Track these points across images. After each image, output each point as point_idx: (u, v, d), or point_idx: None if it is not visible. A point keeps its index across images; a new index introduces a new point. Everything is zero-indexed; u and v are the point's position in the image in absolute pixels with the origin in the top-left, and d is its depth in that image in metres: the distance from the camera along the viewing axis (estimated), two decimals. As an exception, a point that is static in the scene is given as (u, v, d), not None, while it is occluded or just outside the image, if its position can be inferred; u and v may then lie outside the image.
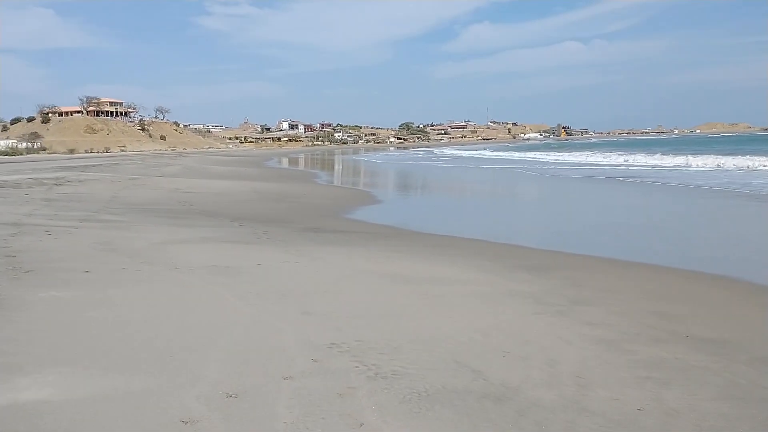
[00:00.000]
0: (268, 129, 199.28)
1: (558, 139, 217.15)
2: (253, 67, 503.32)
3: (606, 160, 52.94)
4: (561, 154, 70.21)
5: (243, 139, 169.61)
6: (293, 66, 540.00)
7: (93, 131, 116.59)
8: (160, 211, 16.92)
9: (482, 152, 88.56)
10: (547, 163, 55.34)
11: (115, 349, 5.24)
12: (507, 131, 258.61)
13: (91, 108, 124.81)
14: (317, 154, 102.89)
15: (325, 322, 6.17)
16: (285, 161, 72.26)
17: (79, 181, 26.11)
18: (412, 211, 21.86)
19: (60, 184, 24.00)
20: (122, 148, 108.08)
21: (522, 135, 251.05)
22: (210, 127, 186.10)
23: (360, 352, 5.24)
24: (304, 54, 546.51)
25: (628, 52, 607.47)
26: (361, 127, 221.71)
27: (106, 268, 8.40)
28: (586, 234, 14.79)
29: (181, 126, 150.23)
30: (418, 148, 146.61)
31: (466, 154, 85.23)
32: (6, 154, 73.61)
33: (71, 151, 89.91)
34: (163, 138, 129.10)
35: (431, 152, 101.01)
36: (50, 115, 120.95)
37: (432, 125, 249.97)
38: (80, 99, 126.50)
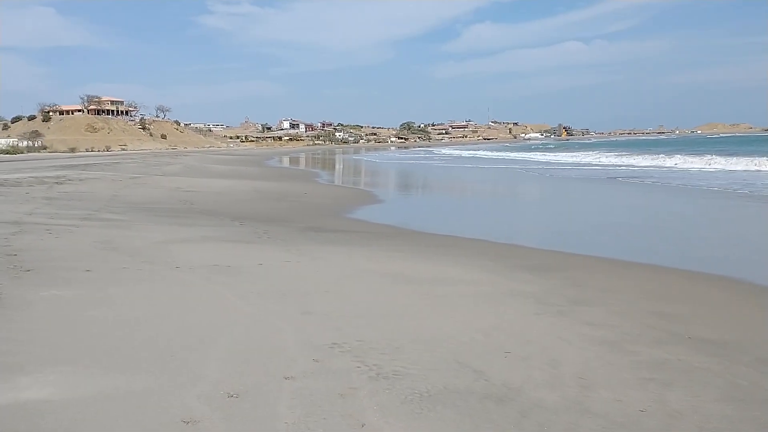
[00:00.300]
0: (269, 128, 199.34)
1: (559, 139, 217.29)
2: (255, 66, 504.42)
3: (607, 160, 52.95)
4: (562, 154, 70.22)
5: (244, 138, 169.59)
6: (294, 65, 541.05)
7: (94, 130, 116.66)
8: (160, 210, 16.91)
9: (483, 152, 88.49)
10: (548, 163, 55.33)
11: (115, 348, 5.23)
12: (508, 131, 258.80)
13: (92, 107, 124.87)
14: (318, 154, 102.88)
15: (326, 321, 6.16)
16: (286, 160, 72.26)
17: (80, 180, 26.10)
18: (412, 211, 21.85)
19: (61, 183, 23.99)
20: (123, 147, 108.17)
21: (523, 135, 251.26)
22: (211, 126, 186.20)
23: (361, 352, 5.22)
24: (305, 53, 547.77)
25: (630, 53, 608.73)
26: (362, 127, 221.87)
27: (106, 267, 8.39)
28: (587, 234, 14.78)
29: (182, 125, 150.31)
30: (418, 147, 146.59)
31: (466, 153, 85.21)
32: (7, 152, 73.65)
33: (72, 150, 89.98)
34: (164, 137, 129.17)
35: (431, 152, 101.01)
36: (51, 113, 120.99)
37: (433, 125, 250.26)
38: (81, 97, 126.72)
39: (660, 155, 51.80)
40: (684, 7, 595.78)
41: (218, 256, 9.61)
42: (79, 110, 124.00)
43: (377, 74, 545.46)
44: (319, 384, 4.52)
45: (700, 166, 39.52)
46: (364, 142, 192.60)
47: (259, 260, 9.34)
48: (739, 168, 36.09)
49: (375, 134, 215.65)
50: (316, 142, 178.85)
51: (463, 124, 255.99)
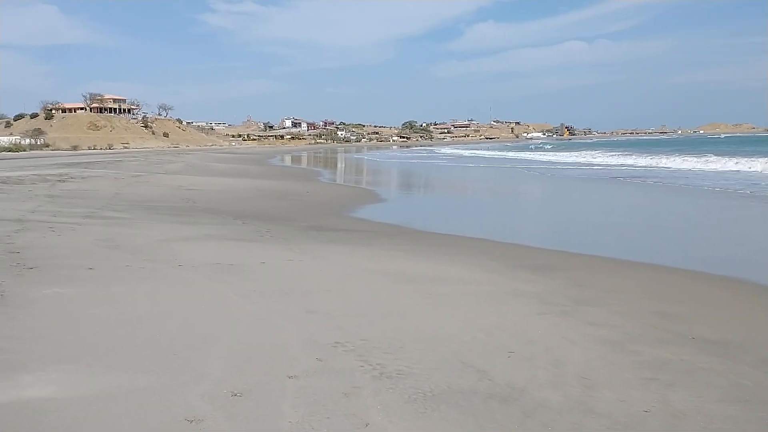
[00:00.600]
0: (271, 127, 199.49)
1: (561, 139, 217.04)
2: (257, 64, 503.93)
3: (609, 160, 52.80)
4: (564, 153, 70.07)
5: (246, 136, 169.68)
6: (297, 64, 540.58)
7: (96, 128, 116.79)
8: (163, 208, 16.92)
9: (485, 152, 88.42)
10: (550, 162, 55.26)
11: (118, 346, 5.23)
12: (510, 130, 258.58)
13: (94, 105, 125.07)
14: (320, 153, 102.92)
15: (328, 320, 6.15)
16: (288, 159, 72.29)
17: (83, 178, 26.13)
18: (414, 210, 21.84)
19: (63, 181, 24.01)
20: (125, 145, 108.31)
21: (525, 134, 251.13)
22: (213, 124, 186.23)
23: (365, 352, 5.21)
24: (307, 52, 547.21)
25: (632, 52, 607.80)
26: (364, 126, 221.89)
27: (109, 265, 8.39)
28: (589, 234, 14.76)
29: (184, 123, 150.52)
30: (420, 146, 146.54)
31: (467, 153, 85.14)
32: (9, 150, 73.68)
33: (74, 148, 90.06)
34: (166, 135, 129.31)
35: (433, 151, 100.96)
36: (53, 111, 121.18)
37: (435, 124, 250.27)
38: (84, 96, 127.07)
39: (662, 155, 51.72)
40: (686, 7, 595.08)
41: (220, 254, 9.61)
42: (82, 108, 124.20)
43: (380, 73, 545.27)
44: (322, 383, 4.51)
45: (701, 167, 39.44)
46: (366, 141, 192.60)
47: (262, 259, 9.34)
48: (741, 168, 36.00)
49: (377, 133, 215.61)
50: (318, 141, 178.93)
51: (465, 123, 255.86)
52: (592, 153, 65.73)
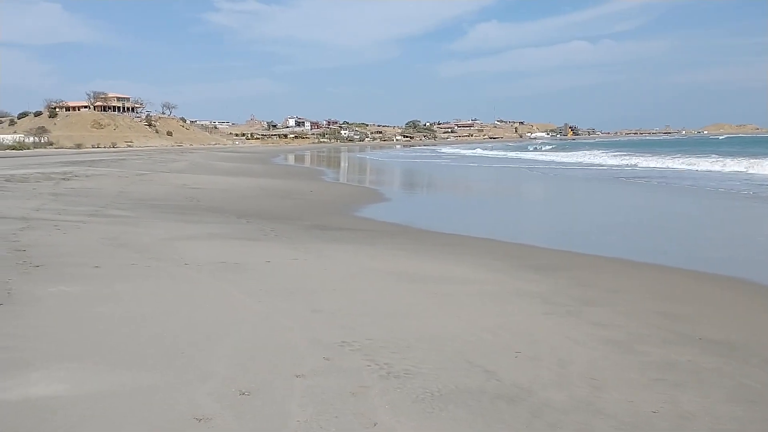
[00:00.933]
0: (275, 126, 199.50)
1: (565, 139, 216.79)
2: (260, 63, 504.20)
3: (613, 160, 52.65)
4: (568, 153, 69.99)
5: (249, 135, 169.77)
6: (300, 63, 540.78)
7: (100, 126, 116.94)
8: (167, 206, 16.94)
9: (489, 152, 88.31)
10: (553, 162, 55.22)
11: (124, 344, 5.24)
12: (514, 130, 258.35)
13: (98, 103, 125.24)
14: (323, 152, 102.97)
15: (334, 320, 6.16)
16: (291, 158, 72.33)
17: (87, 176, 26.18)
18: (418, 209, 21.83)
19: (67, 179, 24.06)
20: (129, 144, 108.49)
21: (529, 134, 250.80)
22: (216, 123, 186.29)
23: (371, 351, 5.21)
24: (311, 51, 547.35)
25: (636, 52, 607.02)
26: (367, 125, 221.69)
27: (114, 264, 8.41)
28: (593, 234, 14.74)
29: (187, 122, 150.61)
30: (424, 146, 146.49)
31: (470, 152, 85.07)
32: (13, 148, 73.86)
33: (78, 146, 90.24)
34: (169, 134, 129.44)
35: (436, 150, 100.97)
36: (57, 109, 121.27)
37: (439, 123, 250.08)
38: (87, 94, 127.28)
39: (666, 155, 51.59)
40: (690, 7, 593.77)
41: (225, 253, 9.62)
42: (86, 107, 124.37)
43: (383, 72, 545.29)
44: (330, 382, 4.51)
45: (706, 167, 39.32)
46: (369, 141, 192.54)
47: (266, 258, 9.34)
48: (745, 169, 35.87)
49: (380, 132, 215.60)
50: (321, 140, 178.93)
51: (468, 122, 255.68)
52: (596, 153, 65.59)
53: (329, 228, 13.83)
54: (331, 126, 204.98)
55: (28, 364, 4.70)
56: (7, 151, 68.56)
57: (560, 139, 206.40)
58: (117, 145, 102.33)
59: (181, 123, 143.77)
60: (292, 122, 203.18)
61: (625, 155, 56.84)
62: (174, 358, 4.95)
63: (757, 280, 9.16)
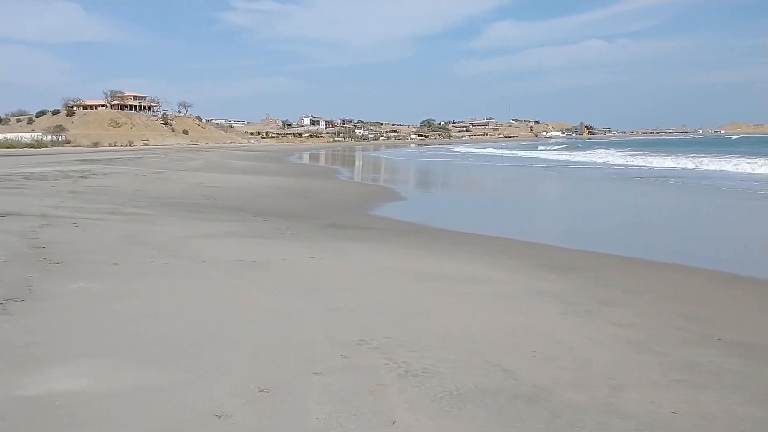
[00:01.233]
0: (290, 125, 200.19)
1: (580, 138, 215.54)
2: (276, 62, 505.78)
3: (628, 159, 52.24)
4: (584, 152, 69.53)
5: (264, 134, 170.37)
6: (315, 62, 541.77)
7: (117, 125, 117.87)
8: (184, 205, 17.04)
9: (505, 150, 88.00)
10: (570, 162, 54.91)
11: (143, 341, 5.27)
12: (529, 129, 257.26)
13: (115, 102, 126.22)
14: (338, 151, 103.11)
15: (351, 318, 6.17)
16: (306, 157, 72.53)
17: (104, 174, 26.38)
18: (433, 209, 21.81)
19: (85, 177, 24.26)
20: (145, 142, 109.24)
21: (544, 133, 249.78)
22: (232, 122, 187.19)
23: (389, 350, 5.21)
24: (326, 50, 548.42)
25: (652, 51, 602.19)
26: (382, 124, 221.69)
27: (133, 261, 8.47)
28: (609, 233, 14.65)
29: (203, 121, 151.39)
30: (438, 145, 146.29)
31: (484, 152, 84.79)
32: (32, 146, 74.64)
33: (95, 145, 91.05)
34: (185, 132, 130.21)
35: (451, 149, 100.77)
36: (75, 108, 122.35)
37: (453, 122, 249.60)
38: (104, 93, 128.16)
39: (684, 155, 51.06)
40: (707, 6, 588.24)
41: (242, 251, 9.66)
42: (103, 105, 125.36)
43: (398, 71, 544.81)
44: (348, 380, 4.52)
45: (725, 167, 38.89)
46: (384, 140, 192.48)
47: (283, 256, 9.37)
48: (764, 170, 35.44)
49: (395, 131, 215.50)
50: (336, 139, 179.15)
51: (484, 121, 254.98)
52: (612, 152, 65.12)
53: (345, 227, 13.85)
54: (345, 125, 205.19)
55: (50, 359, 4.75)
56: (26, 149, 69.30)
57: (576, 138, 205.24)
58: (133, 144, 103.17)
59: (196, 122, 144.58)
60: (306, 121, 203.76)
61: (639, 154, 56.35)
62: (192, 354, 4.99)
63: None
